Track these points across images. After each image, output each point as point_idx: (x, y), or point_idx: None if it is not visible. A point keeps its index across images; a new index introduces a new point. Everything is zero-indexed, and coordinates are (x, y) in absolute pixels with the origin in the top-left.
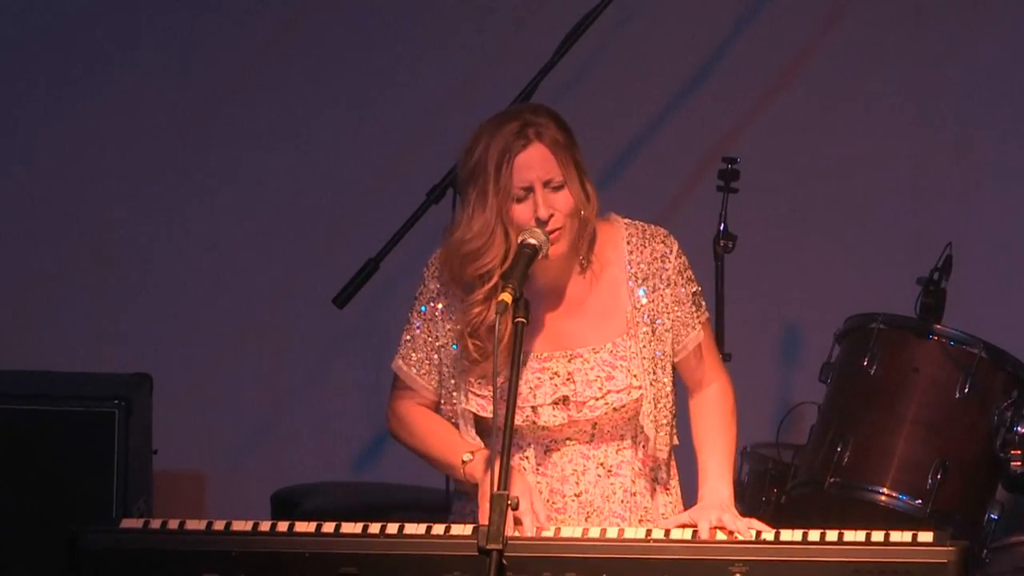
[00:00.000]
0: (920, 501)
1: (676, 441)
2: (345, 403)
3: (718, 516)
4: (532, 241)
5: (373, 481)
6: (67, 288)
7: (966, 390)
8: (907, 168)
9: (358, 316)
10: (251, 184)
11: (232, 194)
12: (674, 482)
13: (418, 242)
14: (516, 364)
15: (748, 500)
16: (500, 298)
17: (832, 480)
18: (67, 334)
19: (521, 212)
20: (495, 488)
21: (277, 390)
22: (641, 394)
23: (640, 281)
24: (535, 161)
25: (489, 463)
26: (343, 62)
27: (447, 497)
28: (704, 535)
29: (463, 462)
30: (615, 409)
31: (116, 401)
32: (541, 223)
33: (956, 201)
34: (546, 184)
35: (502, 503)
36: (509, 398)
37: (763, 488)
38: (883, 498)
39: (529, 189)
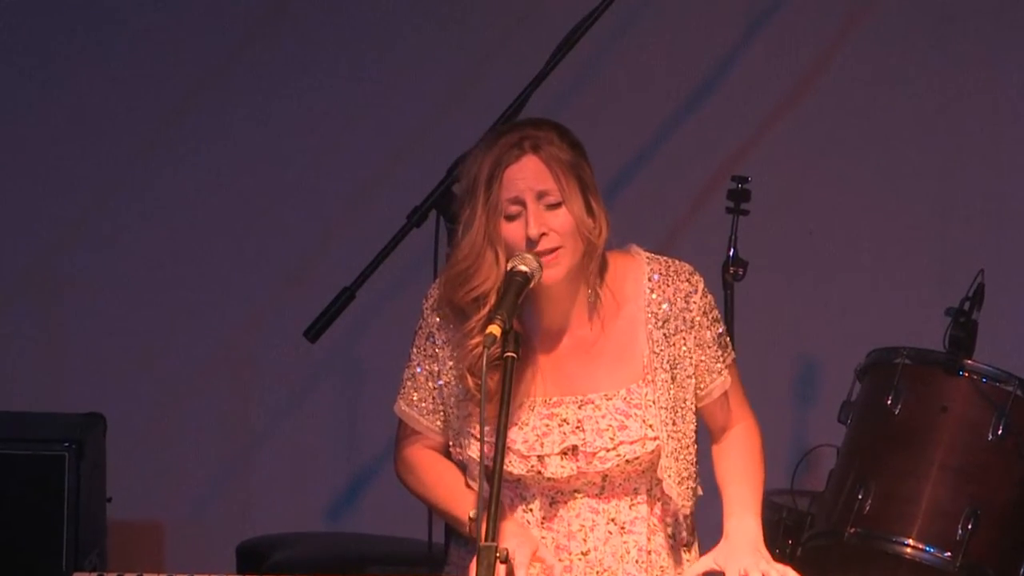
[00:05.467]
0: (949, 553)
1: (700, 491)
2: (318, 446)
3: (750, 564)
4: (523, 268)
5: (348, 532)
6: (11, 320)
7: (999, 431)
8: (934, 188)
9: (332, 350)
10: (213, 206)
11: (192, 217)
12: (693, 537)
13: (398, 269)
14: (505, 403)
15: None
16: (488, 331)
17: (853, 530)
18: (12, 370)
19: (511, 231)
20: (483, 539)
21: (243, 431)
22: (657, 445)
23: (660, 323)
24: (526, 172)
25: (478, 514)
26: (316, 78)
27: (430, 549)
28: None
29: (470, 519)
30: (627, 461)
31: (66, 443)
32: (531, 243)
33: (988, 224)
34: (540, 198)
35: (489, 556)
36: (497, 440)
37: (777, 539)
38: (909, 550)
39: (520, 204)
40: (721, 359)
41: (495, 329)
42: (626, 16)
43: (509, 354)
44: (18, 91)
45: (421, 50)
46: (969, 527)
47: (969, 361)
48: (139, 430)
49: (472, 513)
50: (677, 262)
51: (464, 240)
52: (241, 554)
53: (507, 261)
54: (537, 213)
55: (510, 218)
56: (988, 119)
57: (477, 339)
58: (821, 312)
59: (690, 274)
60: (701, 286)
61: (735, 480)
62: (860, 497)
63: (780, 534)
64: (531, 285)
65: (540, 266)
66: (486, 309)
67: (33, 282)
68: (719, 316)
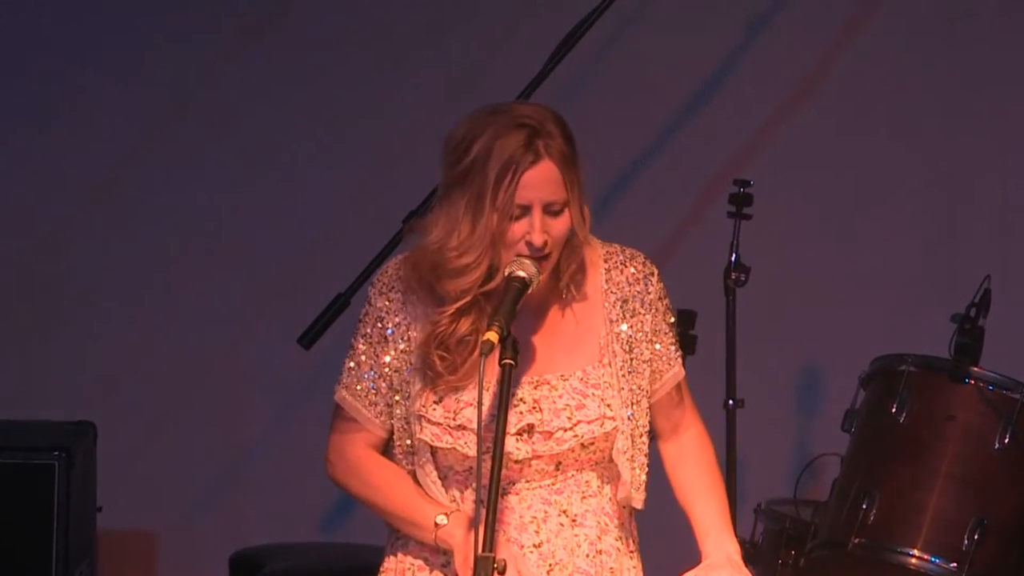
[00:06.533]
0: (955, 564)
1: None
2: (312, 454)
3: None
4: (521, 274)
5: (343, 542)
6: None
7: (1006, 440)
8: (940, 192)
9: (326, 358)
10: (205, 211)
11: (183, 222)
12: (636, 547)
13: None
14: (503, 412)
15: (763, 563)
16: (485, 337)
17: (857, 541)
18: (0, 377)
19: (513, 232)
20: (479, 550)
21: (236, 440)
22: (614, 427)
23: (618, 303)
24: (543, 181)
25: (470, 524)
26: (308, 77)
27: None
28: None
29: (436, 524)
30: (583, 446)
31: (56, 452)
32: (534, 249)
33: (994, 229)
34: (546, 207)
35: (488, 566)
36: (495, 449)
37: (779, 549)
38: (914, 561)
39: (527, 208)
40: (675, 350)
41: (493, 336)
42: (626, 17)
43: (507, 361)
44: (5, 95)
45: (417, 51)
46: (975, 537)
47: (975, 368)
48: (130, 438)
49: (440, 519)
50: (631, 249)
51: (463, 234)
52: (234, 564)
53: (503, 254)
54: (542, 221)
55: (514, 218)
56: (994, 122)
57: (449, 321)
58: (824, 318)
59: (645, 259)
60: (657, 272)
61: (702, 497)
62: (864, 507)
63: (783, 544)
64: (529, 291)
65: (539, 271)
66: (465, 300)
67: (22, 288)
68: (671, 307)
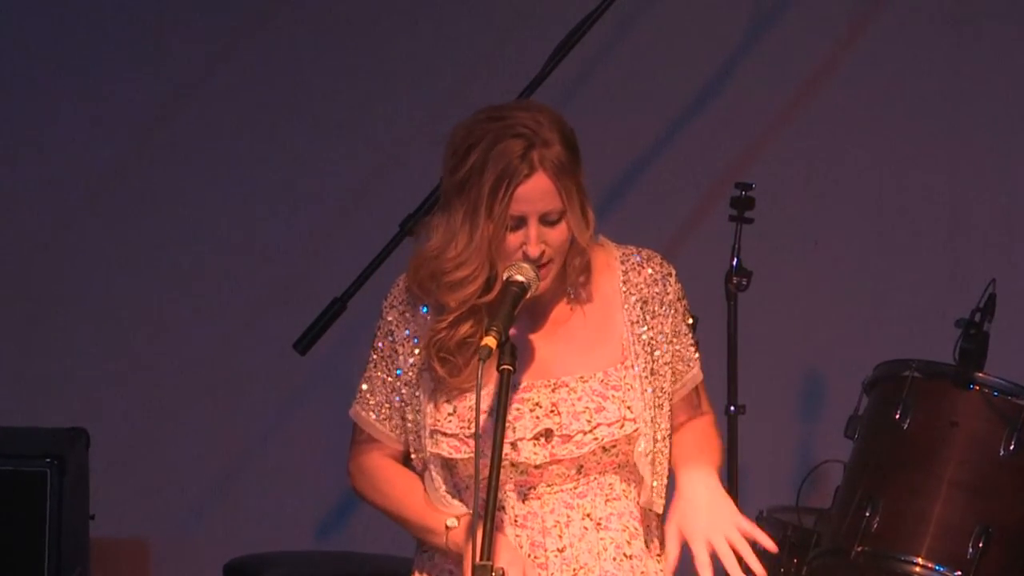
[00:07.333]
0: (959, 573)
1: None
2: (307, 461)
3: (712, 532)
4: (520, 278)
5: (339, 550)
6: None
7: (1012, 447)
8: (943, 196)
9: (322, 363)
10: (199, 214)
11: (177, 225)
12: (661, 548)
13: (390, 279)
14: (501, 418)
15: (765, 571)
16: (484, 342)
17: (860, 548)
18: None
19: (511, 242)
20: (478, 558)
21: (231, 446)
22: (636, 429)
23: (638, 305)
24: (537, 194)
25: (472, 529)
26: (305, 79)
27: None
28: (702, 559)
29: (447, 528)
30: (604, 449)
31: (48, 459)
32: (531, 260)
33: (999, 233)
34: (543, 217)
35: (486, 575)
36: (493, 456)
37: (782, 558)
38: (918, 569)
39: (522, 220)
40: (694, 350)
41: (491, 341)
42: (626, 18)
43: (505, 367)
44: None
45: (415, 52)
46: (980, 545)
47: (980, 374)
48: (123, 445)
49: (450, 522)
50: (647, 249)
51: (460, 245)
52: (229, 573)
53: (501, 264)
54: (539, 232)
55: (510, 229)
56: (998, 125)
57: (446, 327)
58: (827, 324)
59: (662, 259)
60: (674, 272)
61: (689, 451)
62: (868, 514)
63: (785, 552)
64: (527, 296)
65: (537, 276)
66: (463, 310)
67: (15, 293)
68: (689, 307)
